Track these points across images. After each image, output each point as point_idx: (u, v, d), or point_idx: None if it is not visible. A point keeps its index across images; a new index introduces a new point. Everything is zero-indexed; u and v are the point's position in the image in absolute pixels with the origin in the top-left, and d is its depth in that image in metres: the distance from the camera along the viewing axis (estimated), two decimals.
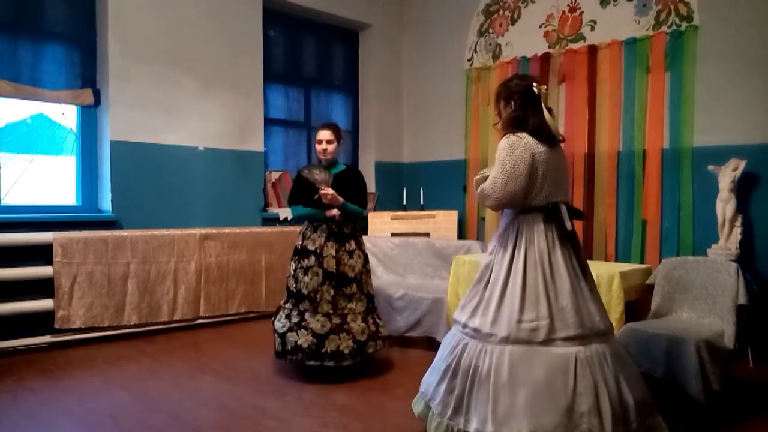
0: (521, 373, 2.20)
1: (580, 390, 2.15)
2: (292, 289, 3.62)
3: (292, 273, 3.64)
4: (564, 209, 2.36)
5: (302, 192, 3.69)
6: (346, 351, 3.47)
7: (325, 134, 3.71)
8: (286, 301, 3.66)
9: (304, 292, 3.54)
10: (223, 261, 4.99)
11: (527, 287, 2.28)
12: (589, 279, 2.40)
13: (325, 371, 3.51)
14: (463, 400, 2.33)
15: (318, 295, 3.52)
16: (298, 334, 3.48)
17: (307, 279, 3.54)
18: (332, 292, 3.53)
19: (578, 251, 2.40)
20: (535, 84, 2.43)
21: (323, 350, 3.44)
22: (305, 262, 3.58)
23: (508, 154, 2.34)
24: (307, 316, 3.51)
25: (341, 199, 3.59)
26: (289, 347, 3.50)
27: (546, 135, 2.37)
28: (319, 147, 3.72)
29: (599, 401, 2.14)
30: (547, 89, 2.51)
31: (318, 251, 3.57)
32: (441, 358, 2.50)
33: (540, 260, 2.31)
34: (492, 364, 2.25)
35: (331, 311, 3.52)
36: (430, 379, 2.55)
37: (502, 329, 2.27)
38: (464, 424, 2.30)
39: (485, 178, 2.44)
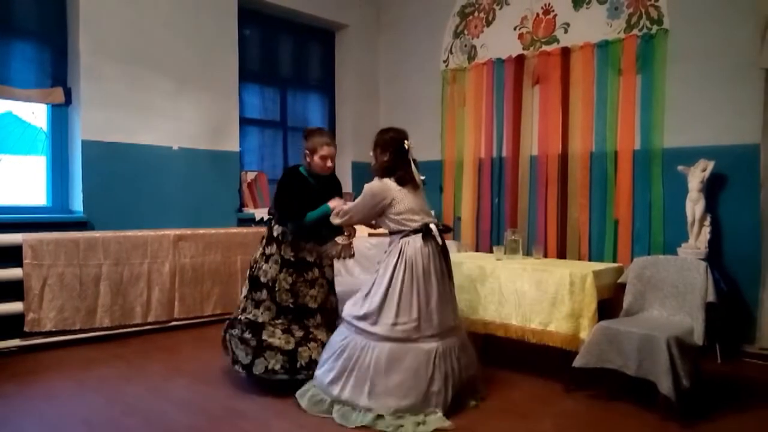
0: (395, 364, 2.88)
1: (435, 376, 2.89)
2: (288, 305, 3.31)
3: (288, 287, 3.32)
4: (434, 228, 3.06)
5: (304, 199, 3.32)
6: None
7: (332, 151, 3.35)
8: (276, 318, 3.30)
9: (313, 306, 3.35)
10: (197, 262, 4.94)
11: (403, 296, 2.93)
12: (450, 283, 3.14)
13: None
14: (342, 376, 2.93)
15: (328, 306, 3.44)
16: (309, 348, 3.26)
17: (314, 292, 3.37)
18: (334, 300, 3.48)
19: (447, 260, 3.13)
20: (406, 141, 3.14)
21: None
22: (309, 275, 3.37)
23: (369, 197, 3.08)
24: (311, 329, 3.34)
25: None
26: (302, 363, 3.21)
27: (409, 182, 3.09)
28: (320, 162, 3.33)
29: (447, 384, 2.92)
30: (411, 145, 3.20)
31: (318, 262, 3.42)
32: (330, 346, 3.08)
33: (416, 272, 2.96)
34: (373, 356, 2.89)
35: (335, 319, 3.42)
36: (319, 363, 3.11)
37: (383, 330, 2.92)
38: (338, 393, 2.91)
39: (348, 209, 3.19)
